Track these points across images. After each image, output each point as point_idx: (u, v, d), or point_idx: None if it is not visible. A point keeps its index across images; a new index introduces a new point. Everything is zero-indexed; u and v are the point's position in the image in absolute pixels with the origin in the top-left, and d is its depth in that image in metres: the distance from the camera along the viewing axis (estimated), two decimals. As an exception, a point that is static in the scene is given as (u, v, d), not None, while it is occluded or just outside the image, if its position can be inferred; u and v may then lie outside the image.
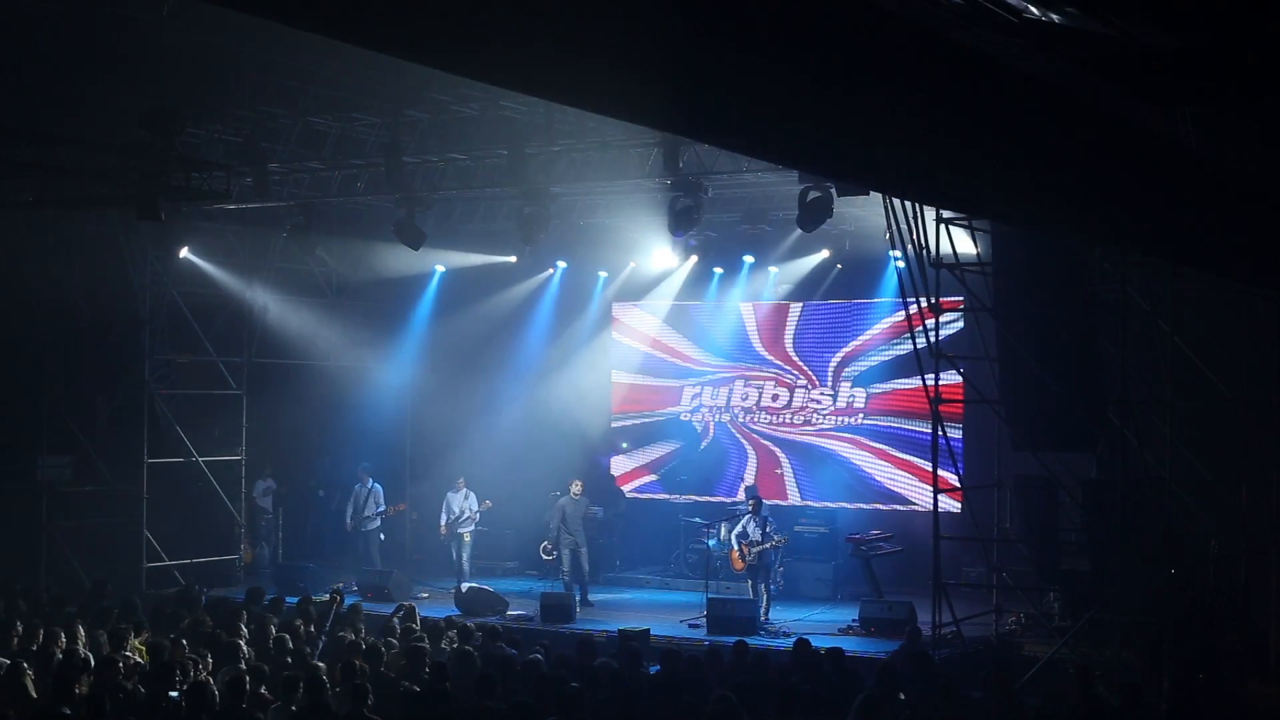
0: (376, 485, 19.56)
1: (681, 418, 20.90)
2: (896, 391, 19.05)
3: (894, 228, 13.75)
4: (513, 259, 20.67)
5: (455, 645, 12.14)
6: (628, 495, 21.05)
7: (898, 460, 19.01)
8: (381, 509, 19.41)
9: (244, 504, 19.91)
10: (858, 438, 19.47)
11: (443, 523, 18.76)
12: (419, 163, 16.60)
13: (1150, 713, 10.18)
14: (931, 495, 14.55)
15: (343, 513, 19.78)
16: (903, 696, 10.12)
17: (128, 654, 10.99)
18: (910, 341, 14.51)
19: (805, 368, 19.95)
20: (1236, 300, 13.71)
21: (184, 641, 11.44)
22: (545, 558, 17.79)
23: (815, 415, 19.83)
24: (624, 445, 21.23)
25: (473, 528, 18.72)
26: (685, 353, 20.89)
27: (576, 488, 17.91)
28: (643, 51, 4.50)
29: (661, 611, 16.76)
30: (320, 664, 10.62)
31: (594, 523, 18.67)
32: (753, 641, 13.50)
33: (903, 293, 14.61)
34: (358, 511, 19.35)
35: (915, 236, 13.73)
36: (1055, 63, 8.69)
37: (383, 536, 19.60)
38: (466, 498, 18.72)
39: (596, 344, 21.34)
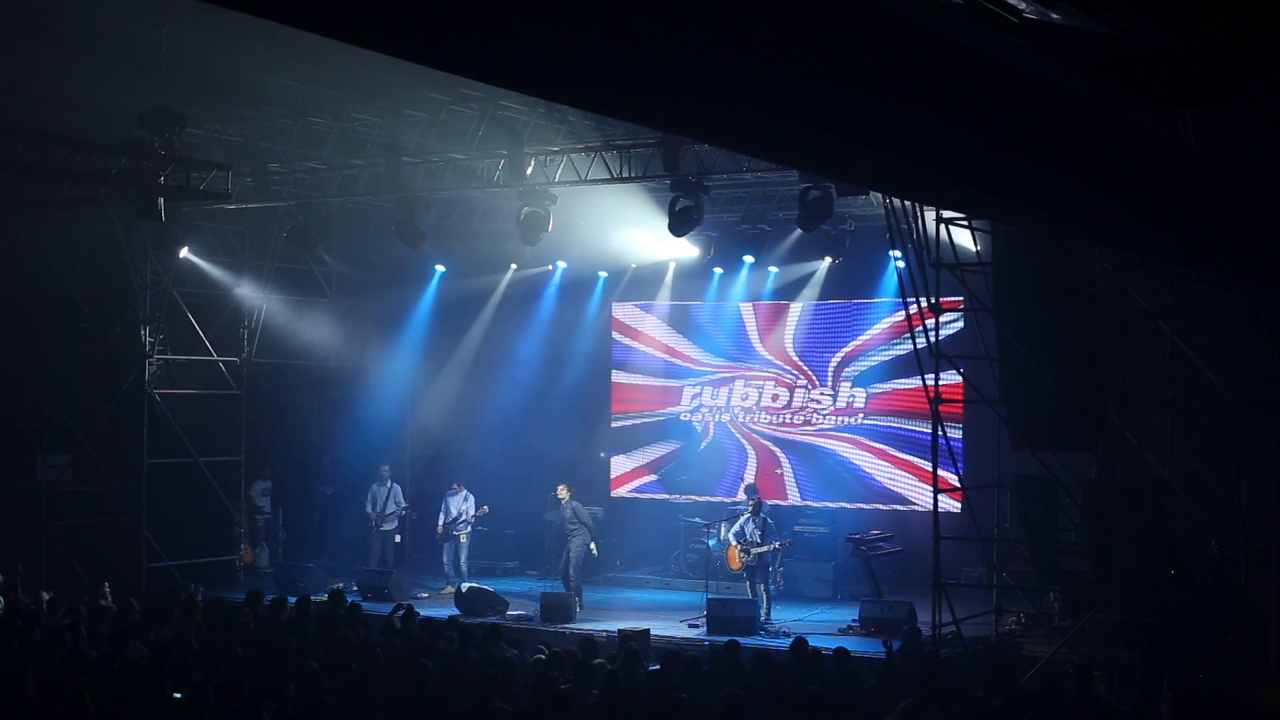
0: (395, 485, 19.58)
1: (681, 418, 20.89)
2: (896, 391, 19.05)
3: (894, 228, 13.76)
4: (513, 266, 20.69)
5: (455, 645, 12.13)
6: (626, 495, 21.06)
7: (898, 460, 19.01)
8: (402, 507, 19.43)
9: (243, 504, 19.90)
10: (858, 438, 19.47)
11: (440, 523, 18.78)
12: (419, 163, 16.61)
13: (1151, 713, 10.17)
14: (931, 495, 14.54)
15: (344, 513, 19.79)
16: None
17: (128, 654, 10.98)
18: (910, 341, 14.51)
19: (805, 368, 19.94)
20: (1236, 300, 13.73)
21: (183, 642, 11.44)
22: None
23: (815, 415, 19.82)
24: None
25: (469, 530, 18.72)
26: (685, 353, 20.88)
27: (560, 492, 17.51)
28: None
29: (661, 611, 16.75)
30: (319, 665, 10.61)
31: (599, 523, 18.68)
32: (753, 642, 13.51)
33: (903, 293, 14.61)
34: (378, 510, 19.32)
35: (915, 236, 13.73)
36: (1055, 63, 8.69)
37: (398, 539, 19.66)
38: (465, 500, 18.73)
39: (596, 344, 21.33)
